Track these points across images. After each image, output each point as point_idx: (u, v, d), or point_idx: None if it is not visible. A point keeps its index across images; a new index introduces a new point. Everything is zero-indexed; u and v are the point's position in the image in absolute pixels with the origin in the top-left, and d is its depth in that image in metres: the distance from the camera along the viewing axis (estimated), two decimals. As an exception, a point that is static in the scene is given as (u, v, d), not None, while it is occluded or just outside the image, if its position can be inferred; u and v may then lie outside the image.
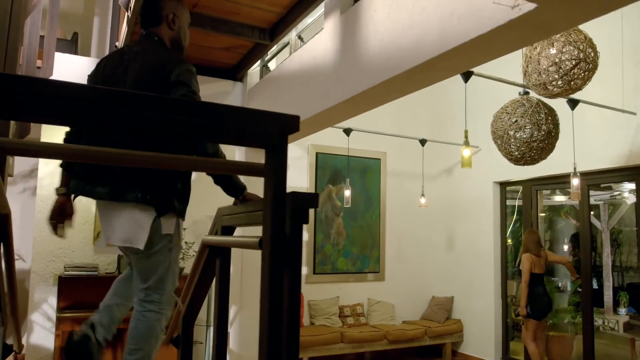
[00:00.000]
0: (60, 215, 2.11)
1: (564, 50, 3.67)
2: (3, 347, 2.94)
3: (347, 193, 5.60)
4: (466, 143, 3.79)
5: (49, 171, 5.24)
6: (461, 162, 3.87)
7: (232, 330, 4.65)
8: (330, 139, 5.95)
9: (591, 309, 5.18)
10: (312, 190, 6.25)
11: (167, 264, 2.03)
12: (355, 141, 6.37)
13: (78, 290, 4.89)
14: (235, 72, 4.68)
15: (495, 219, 6.15)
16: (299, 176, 6.24)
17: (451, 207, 6.73)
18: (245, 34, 3.79)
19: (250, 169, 1.50)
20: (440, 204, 6.84)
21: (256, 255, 4.13)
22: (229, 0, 3.42)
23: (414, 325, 6.25)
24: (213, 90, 4.61)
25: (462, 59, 2.25)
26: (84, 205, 5.27)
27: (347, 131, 5.61)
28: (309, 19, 3.78)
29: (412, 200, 6.52)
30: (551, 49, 3.68)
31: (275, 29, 3.79)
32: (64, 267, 4.99)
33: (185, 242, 5.48)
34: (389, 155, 6.76)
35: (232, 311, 4.71)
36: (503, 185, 6.19)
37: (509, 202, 6.26)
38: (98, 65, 2.18)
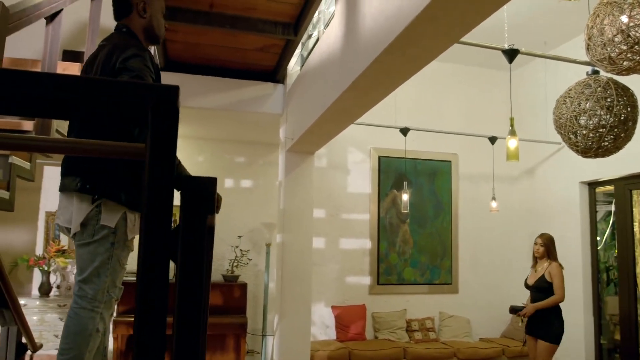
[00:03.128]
0: None
1: (633, 14, 3.07)
2: (18, 346, 3.02)
3: (405, 197, 5.21)
4: (512, 132, 3.29)
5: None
6: (506, 154, 3.36)
7: (275, 341, 4.48)
8: (393, 141, 5.60)
9: None
10: (375, 196, 5.94)
11: (106, 258, 1.92)
12: (423, 143, 5.97)
13: (133, 296, 5.02)
14: (275, 74, 4.57)
15: (584, 225, 5.37)
16: (361, 181, 5.96)
17: (533, 212, 6.01)
18: (267, 30, 3.66)
19: (127, 151, 1.32)
20: (521, 208, 6.15)
21: (295, 264, 3.96)
22: (244, -5, 3.32)
23: (490, 343, 5.63)
24: (254, 94, 4.54)
25: (451, 17, 1.88)
26: (145, 214, 5.45)
27: (404, 131, 5.25)
28: (332, 7, 3.56)
29: (487, 205, 5.92)
30: (618, 14, 3.09)
31: (299, 23, 3.62)
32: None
33: (241, 250, 5.44)
34: (461, 156, 6.23)
35: (274, 321, 4.54)
36: (592, 185, 5.39)
37: (605, 208, 5.45)
38: (88, 59, 2.19)
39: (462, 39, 3.58)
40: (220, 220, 5.63)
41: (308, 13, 3.40)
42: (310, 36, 4.18)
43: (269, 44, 4.05)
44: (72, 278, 5.10)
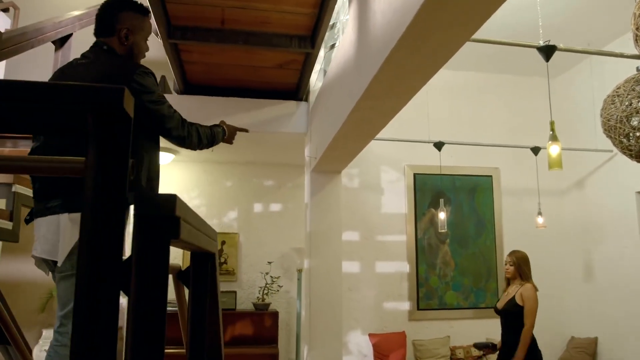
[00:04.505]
0: None
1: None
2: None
3: (442, 216, 4.87)
4: (553, 138, 2.95)
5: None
6: (548, 162, 3.01)
7: (306, 373, 4.19)
8: (429, 157, 5.29)
9: None
10: (412, 216, 5.62)
11: None
12: (461, 158, 5.64)
13: (171, 326, 4.87)
14: (297, 92, 4.40)
15: (644, 239, 4.86)
16: (396, 201, 5.65)
17: (585, 227, 5.52)
18: (283, 44, 3.50)
19: (66, 168, 1.13)
20: (572, 223, 5.67)
21: (324, 291, 3.70)
22: (255, 8, 3.17)
23: (546, 372, 5.12)
24: (277, 113, 4.37)
25: (464, 1, 1.63)
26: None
27: (438, 145, 4.95)
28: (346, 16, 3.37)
29: (533, 222, 5.49)
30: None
31: (315, 34, 3.43)
32: (152, 304, 5.02)
33: (271, 277, 5.22)
34: (503, 170, 5.84)
35: (304, 351, 4.26)
36: (651, 195, 4.90)
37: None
38: (52, 77, 2.11)
39: (495, 39, 3.30)
40: (250, 246, 5.45)
41: (323, 23, 3.22)
42: (332, 46, 4.00)
43: (287, 60, 3.88)
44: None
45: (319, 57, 4.09)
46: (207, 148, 2.29)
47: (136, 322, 0.82)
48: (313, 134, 4.17)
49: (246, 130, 2.63)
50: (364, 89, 2.34)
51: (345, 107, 2.77)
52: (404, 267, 5.53)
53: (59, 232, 1.74)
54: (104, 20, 2.04)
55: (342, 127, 2.91)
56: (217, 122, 2.54)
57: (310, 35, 3.49)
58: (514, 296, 3.68)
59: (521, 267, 3.77)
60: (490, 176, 5.83)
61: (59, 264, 1.76)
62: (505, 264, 3.92)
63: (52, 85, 0.77)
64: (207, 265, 2.19)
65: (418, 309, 5.46)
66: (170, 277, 1.91)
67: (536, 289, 3.70)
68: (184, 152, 5.07)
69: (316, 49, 3.54)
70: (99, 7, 2.09)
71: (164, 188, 5.38)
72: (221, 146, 4.96)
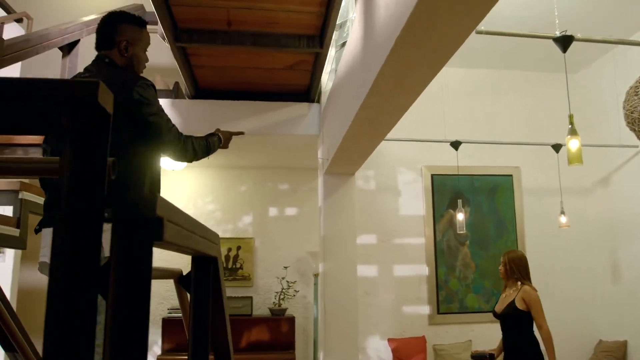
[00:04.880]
0: None
1: None
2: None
3: (461, 217, 4.75)
4: (572, 132, 2.82)
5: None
6: (567, 158, 2.88)
7: (322, 380, 4.10)
8: (446, 158, 5.16)
9: None
10: (430, 218, 5.50)
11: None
12: (480, 158, 5.51)
13: (182, 332, 4.85)
14: (309, 93, 4.34)
15: (674, 237, 4.65)
16: (414, 203, 5.54)
17: (612, 226, 5.32)
18: (291, 44, 3.44)
19: (39, 168, 1.08)
20: (597, 222, 5.47)
21: (339, 295, 3.60)
22: (260, 8, 3.13)
23: (573, 378, 4.94)
24: (288, 116, 4.32)
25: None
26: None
27: (455, 144, 4.83)
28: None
29: (557, 222, 5.32)
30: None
31: (324, 33, 3.37)
32: (167, 310, 5.01)
33: (287, 282, 5.16)
34: (523, 169, 5.68)
35: (320, 357, 4.18)
36: (680, 191, 4.69)
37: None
38: None
39: (510, 30, 3.20)
40: (266, 251, 5.40)
41: (330, 21, 3.15)
42: (343, 45, 3.93)
43: (297, 60, 3.83)
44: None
45: (329, 57, 4.03)
46: (203, 158, 2.32)
47: (114, 329, 0.77)
48: (325, 135, 4.10)
49: (242, 133, 2.62)
50: (370, 84, 2.26)
51: (354, 106, 2.69)
52: (423, 270, 5.40)
53: None
54: (104, 34, 2.11)
55: (351, 126, 2.84)
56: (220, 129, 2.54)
57: (319, 34, 3.43)
58: (513, 299, 3.50)
59: (512, 268, 3.58)
60: (511, 175, 5.67)
61: None
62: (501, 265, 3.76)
63: (23, 80, 0.72)
64: (208, 269, 2.12)
65: (438, 312, 5.33)
66: (173, 282, 1.89)
67: (535, 290, 3.52)
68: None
69: (325, 49, 3.47)
70: (98, 21, 2.15)
71: (177, 194, 5.39)
72: (233, 151, 4.94)
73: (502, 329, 3.63)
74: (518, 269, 3.56)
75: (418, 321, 5.30)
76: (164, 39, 3.39)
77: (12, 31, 4.04)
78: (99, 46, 2.13)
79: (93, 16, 3.38)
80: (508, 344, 3.59)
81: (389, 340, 5.18)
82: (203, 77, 4.18)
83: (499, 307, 3.65)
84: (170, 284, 5.26)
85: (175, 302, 5.17)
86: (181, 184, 5.42)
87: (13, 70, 3.96)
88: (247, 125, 4.29)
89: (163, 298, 5.17)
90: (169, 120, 2.09)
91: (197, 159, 2.27)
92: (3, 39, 2.28)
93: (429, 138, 5.02)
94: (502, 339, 3.66)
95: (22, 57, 2.53)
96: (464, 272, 5.43)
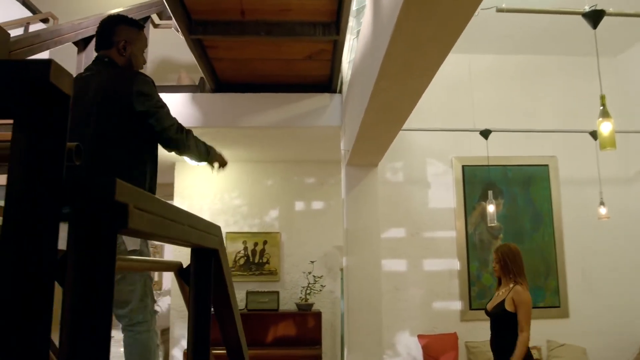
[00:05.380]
0: None
1: None
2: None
3: (492, 209, 4.55)
4: (604, 114, 2.61)
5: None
6: (599, 143, 2.67)
7: (346, 376, 4.01)
8: (478, 148, 4.96)
9: None
10: (461, 211, 5.31)
11: (142, 283, 2.01)
12: (513, 147, 5.29)
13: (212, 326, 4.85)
14: (330, 83, 4.25)
15: None
16: (444, 195, 5.36)
17: (657, 217, 5.00)
18: (306, 32, 3.36)
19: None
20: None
21: (362, 290, 3.50)
22: (273, -5, 3.06)
23: (615, 378, 4.68)
24: (310, 107, 4.24)
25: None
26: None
27: (485, 133, 4.63)
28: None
29: (596, 213, 5.04)
30: None
31: (339, 19, 3.27)
32: (195, 305, 5.02)
33: (314, 276, 5.09)
34: (560, 158, 5.41)
35: (345, 352, 4.09)
36: None
37: None
38: None
39: (534, 7, 3.01)
40: (292, 246, 5.35)
41: (344, 6, 3.05)
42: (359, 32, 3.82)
43: (316, 50, 3.75)
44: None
45: (349, 46, 3.92)
46: (204, 160, 2.33)
47: (71, 324, 0.70)
48: (347, 126, 4.00)
49: (225, 164, 2.57)
50: (379, 67, 2.16)
51: (367, 93, 2.59)
52: (454, 264, 5.23)
53: None
54: (103, 35, 2.22)
55: (366, 113, 2.73)
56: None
57: (335, 20, 3.33)
58: (503, 300, 3.29)
59: (506, 263, 3.36)
60: (547, 165, 5.41)
61: None
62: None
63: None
64: (208, 261, 2.06)
65: (470, 308, 5.14)
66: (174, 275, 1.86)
67: (526, 290, 3.28)
68: (224, 152, 5.04)
69: (342, 35, 3.37)
70: (97, 24, 2.27)
71: (204, 190, 5.40)
72: (257, 145, 4.91)
73: (491, 329, 3.45)
74: (512, 265, 3.34)
75: (449, 317, 5.13)
76: (178, 31, 3.37)
77: (38, 30, 4.12)
78: (98, 47, 2.24)
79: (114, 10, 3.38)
80: (495, 346, 3.39)
81: (419, 336, 5.04)
82: (222, 70, 4.15)
83: (490, 305, 3.47)
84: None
85: (202, 296, 5.19)
86: (207, 179, 5.43)
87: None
88: (269, 117, 4.24)
89: (191, 292, 5.20)
90: (169, 112, 2.17)
91: (198, 155, 2.27)
92: (8, 33, 2.28)
93: (458, 127, 4.84)
94: (490, 339, 3.46)
95: (33, 52, 2.54)
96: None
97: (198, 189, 5.43)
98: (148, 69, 5.52)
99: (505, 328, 3.25)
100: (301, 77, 4.20)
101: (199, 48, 3.66)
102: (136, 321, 2.01)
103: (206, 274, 1.96)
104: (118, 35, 2.20)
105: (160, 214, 1.27)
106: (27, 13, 4.24)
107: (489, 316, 3.46)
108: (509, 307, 3.23)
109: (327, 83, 4.24)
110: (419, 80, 2.28)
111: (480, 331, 5.06)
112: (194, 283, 1.94)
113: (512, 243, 3.57)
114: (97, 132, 1.96)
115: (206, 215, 5.37)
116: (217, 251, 2.05)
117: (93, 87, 2.07)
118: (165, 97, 4.20)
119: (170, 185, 5.51)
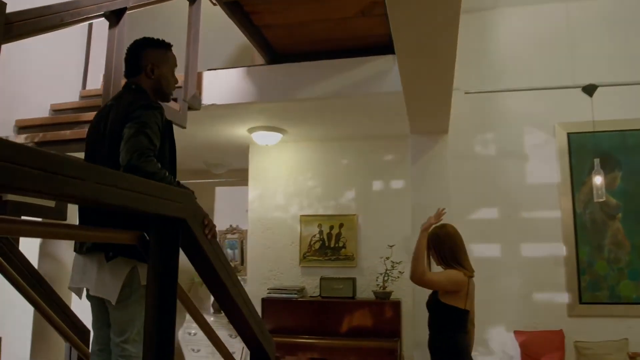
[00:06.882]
0: None
1: None
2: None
3: (599, 181, 3.73)
4: None
5: (258, 194, 5.31)
6: None
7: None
8: (586, 113, 4.13)
9: None
10: (567, 187, 4.49)
11: (143, 316, 1.87)
12: (630, 109, 4.35)
13: (281, 313, 4.66)
14: (392, 44, 3.74)
15: None
16: (545, 169, 4.58)
17: None
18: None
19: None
20: None
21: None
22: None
23: None
24: (366, 73, 3.79)
25: None
26: (290, 226, 5.10)
27: (589, 89, 3.81)
28: None
29: None
30: None
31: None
32: (267, 290, 4.86)
33: (392, 262, 4.65)
34: (698, 119, 4.33)
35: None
36: None
37: None
38: (95, 115, 2.27)
39: None
40: (370, 229, 4.94)
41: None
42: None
43: (366, 2, 3.31)
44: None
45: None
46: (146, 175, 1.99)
47: None
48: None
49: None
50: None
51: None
52: (559, 249, 4.43)
53: (102, 272, 1.94)
54: (130, 62, 2.23)
55: (400, 58, 2.25)
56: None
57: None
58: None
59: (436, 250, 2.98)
60: (679, 128, 4.36)
61: (114, 302, 1.95)
62: None
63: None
64: (173, 232, 1.76)
65: (580, 302, 4.32)
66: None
67: (468, 275, 2.85)
68: (293, 130, 4.79)
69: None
70: (125, 52, 2.28)
71: (276, 172, 5.19)
72: (324, 121, 4.55)
73: (428, 325, 3.10)
74: (447, 250, 2.99)
75: (554, 312, 4.36)
76: (213, 3, 3.14)
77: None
78: (127, 74, 2.25)
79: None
80: (432, 344, 3.05)
81: (516, 332, 4.35)
82: (275, 39, 3.87)
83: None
84: (272, 264, 5.10)
85: (277, 281, 5.00)
86: (279, 159, 5.22)
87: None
88: (326, 87, 3.87)
89: (266, 278, 5.03)
90: (149, 145, 1.94)
91: (143, 170, 1.91)
92: (4, 2, 2.18)
93: (555, 85, 4.06)
94: (429, 337, 3.06)
95: (41, 26, 2.45)
96: (616, 253, 4.32)
97: (272, 172, 5.24)
98: (224, 54, 5.44)
99: (440, 323, 2.93)
100: (358, 38, 3.77)
101: (240, 15, 3.41)
102: (128, 354, 1.97)
103: (170, 245, 1.66)
104: (145, 60, 2.20)
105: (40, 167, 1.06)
106: None
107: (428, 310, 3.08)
108: (442, 296, 2.89)
109: (388, 43, 3.74)
110: (443, 23, 1.77)
111: (593, 329, 4.25)
112: (152, 255, 1.64)
113: (449, 224, 2.96)
114: (109, 153, 1.99)
115: (280, 199, 5.16)
116: (185, 221, 1.73)
117: (112, 112, 2.08)
118: (221, 73, 4.05)
119: (245, 171, 5.40)
